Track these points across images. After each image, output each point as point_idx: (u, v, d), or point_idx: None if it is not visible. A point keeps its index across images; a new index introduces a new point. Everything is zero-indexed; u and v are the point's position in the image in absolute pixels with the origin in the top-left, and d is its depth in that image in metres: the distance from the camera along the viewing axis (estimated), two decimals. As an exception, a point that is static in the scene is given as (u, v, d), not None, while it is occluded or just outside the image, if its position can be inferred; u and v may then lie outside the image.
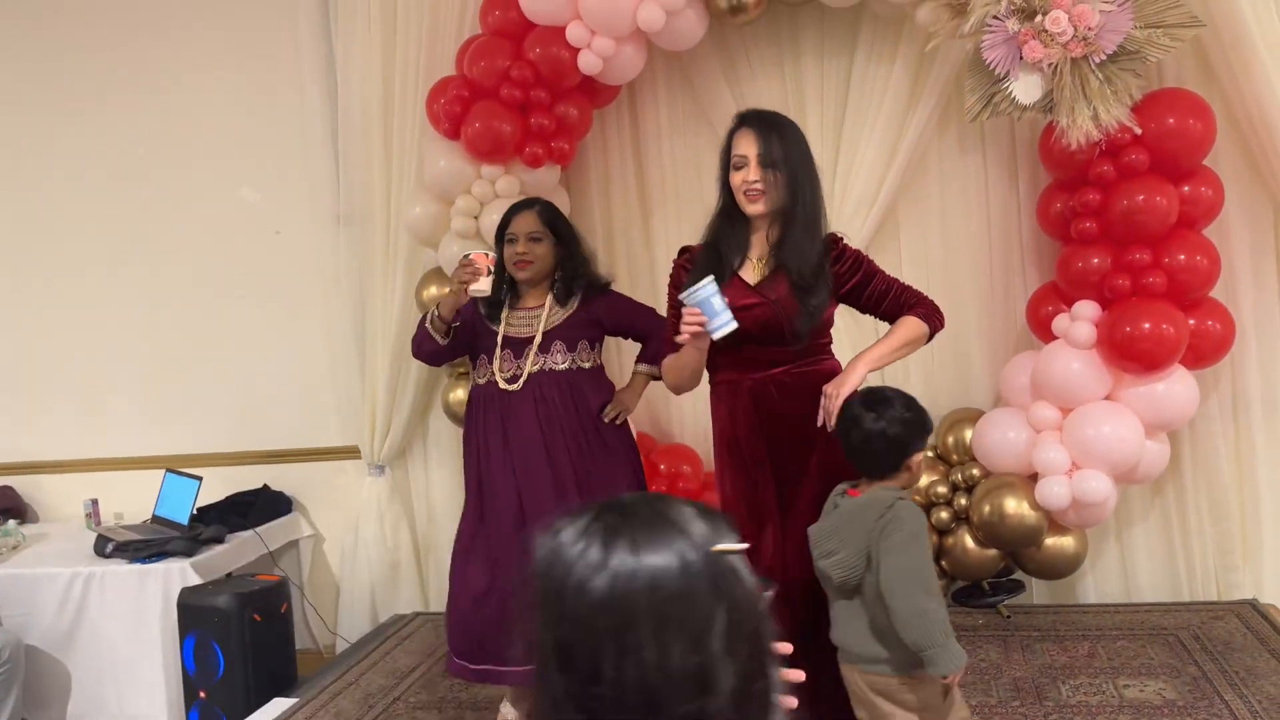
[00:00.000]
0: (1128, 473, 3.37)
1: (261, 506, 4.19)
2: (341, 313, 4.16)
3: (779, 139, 2.41)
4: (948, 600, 3.59)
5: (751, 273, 2.48)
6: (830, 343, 2.55)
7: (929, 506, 3.59)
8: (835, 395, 2.34)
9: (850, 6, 3.54)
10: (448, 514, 4.19)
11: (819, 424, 2.37)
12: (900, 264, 3.77)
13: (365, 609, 4.19)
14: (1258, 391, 3.51)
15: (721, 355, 2.44)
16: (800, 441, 2.44)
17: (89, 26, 4.43)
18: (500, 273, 2.92)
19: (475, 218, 3.61)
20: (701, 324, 2.25)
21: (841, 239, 2.54)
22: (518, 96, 3.49)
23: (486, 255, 2.78)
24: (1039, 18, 3.12)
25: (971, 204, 3.75)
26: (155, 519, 4.10)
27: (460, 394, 3.79)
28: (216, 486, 4.19)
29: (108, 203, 4.48)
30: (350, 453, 4.28)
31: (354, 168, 4.03)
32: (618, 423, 2.97)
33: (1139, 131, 3.17)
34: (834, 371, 2.48)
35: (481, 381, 2.95)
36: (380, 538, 4.16)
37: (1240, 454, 3.56)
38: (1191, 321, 3.29)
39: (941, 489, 3.59)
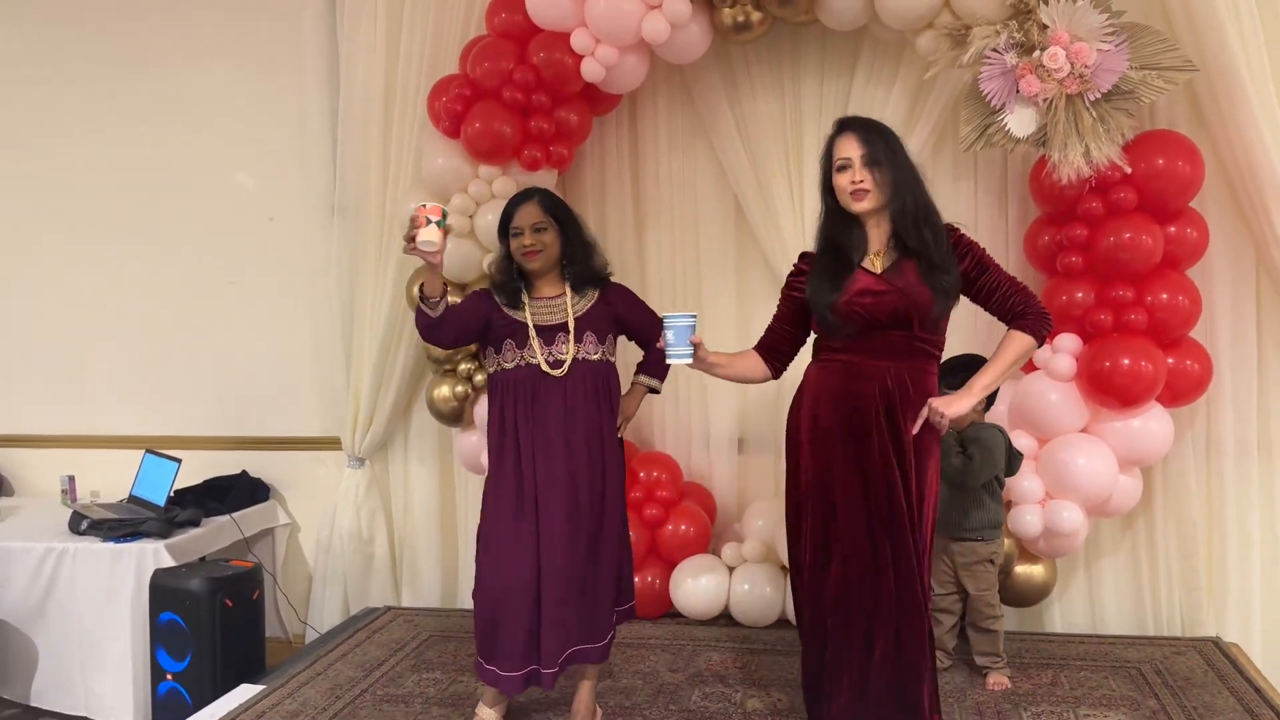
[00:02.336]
0: (1100, 505, 3.42)
1: (239, 492, 4.19)
2: (330, 304, 4.17)
3: (880, 139, 2.55)
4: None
5: (873, 266, 2.59)
6: (943, 343, 2.64)
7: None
8: (944, 417, 2.52)
9: (852, 30, 3.58)
10: (425, 509, 4.21)
11: (914, 431, 2.52)
12: (889, 286, 3.81)
13: (337, 600, 4.19)
14: (1231, 433, 3.56)
15: (840, 344, 2.58)
16: (899, 434, 2.54)
17: (91, 6, 4.45)
18: (510, 264, 2.94)
19: (471, 216, 3.63)
20: (661, 346, 2.55)
21: (959, 228, 2.64)
22: (519, 99, 3.52)
23: (425, 206, 2.64)
24: (1037, 53, 3.18)
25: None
26: (132, 499, 4.09)
27: (445, 391, 3.81)
28: (195, 470, 4.19)
29: (101, 181, 4.49)
30: (330, 443, 4.29)
31: (351, 160, 4.05)
32: (622, 433, 3.02)
33: (1129, 170, 3.22)
34: (934, 383, 2.61)
35: (510, 366, 2.89)
36: (356, 530, 4.17)
37: (1211, 494, 3.60)
38: (1170, 360, 3.34)
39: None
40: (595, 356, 2.93)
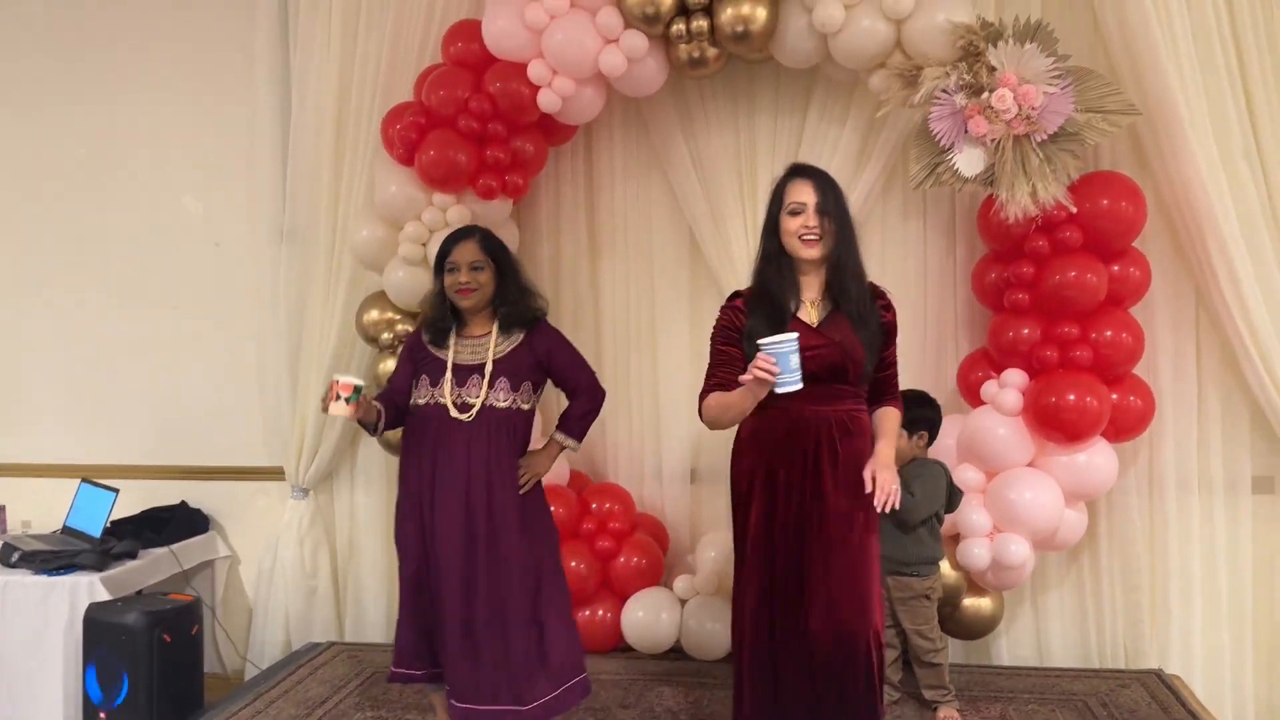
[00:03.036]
0: (1046, 539, 3.46)
1: (178, 523, 4.08)
2: (277, 331, 4.11)
3: (832, 191, 2.57)
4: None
5: (809, 315, 2.58)
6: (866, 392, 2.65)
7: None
8: (893, 484, 2.48)
9: (805, 69, 3.64)
10: (371, 541, 4.13)
11: (877, 505, 2.47)
12: (840, 316, 3.86)
13: (279, 635, 4.09)
14: (1172, 468, 3.63)
15: (777, 399, 2.50)
16: (855, 480, 2.53)
17: (38, 28, 4.37)
18: (443, 300, 2.93)
19: (424, 244, 3.60)
20: (773, 374, 2.31)
21: (884, 291, 2.67)
22: (475, 128, 3.51)
23: (339, 381, 2.75)
24: (986, 94, 3.25)
25: (910, 268, 3.85)
26: (66, 530, 3.97)
27: (394, 421, 3.75)
28: (133, 500, 4.08)
29: (44, 203, 4.39)
30: (274, 474, 4.20)
31: (302, 185, 4.01)
32: (525, 490, 2.91)
33: (1074, 210, 3.30)
34: (867, 421, 2.62)
35: (422, 402, 2.90)
36: (299, 562, 4.08)
37: (1154, 528, 3.67)
38: (1114, 396, 3.40)
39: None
40: (504, 404, 2.88)
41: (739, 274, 3.80)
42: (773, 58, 3.59)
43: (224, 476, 4.30)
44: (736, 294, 2.69)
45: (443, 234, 3.55)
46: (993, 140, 3.28)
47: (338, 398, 2.74)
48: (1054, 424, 3.36)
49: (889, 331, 2.64)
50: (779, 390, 2.34)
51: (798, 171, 2.63)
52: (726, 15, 3.39)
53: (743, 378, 2.39)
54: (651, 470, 4.04)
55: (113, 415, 4.36)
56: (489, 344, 2.91)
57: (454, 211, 3.59)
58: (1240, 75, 3.41)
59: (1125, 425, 3.45)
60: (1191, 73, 3.34)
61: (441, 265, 2.93)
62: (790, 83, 3.82)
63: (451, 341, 2.92)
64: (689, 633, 3.71)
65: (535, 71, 3.47)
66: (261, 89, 4.11)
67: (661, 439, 4.02)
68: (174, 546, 3.94)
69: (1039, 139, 3.25)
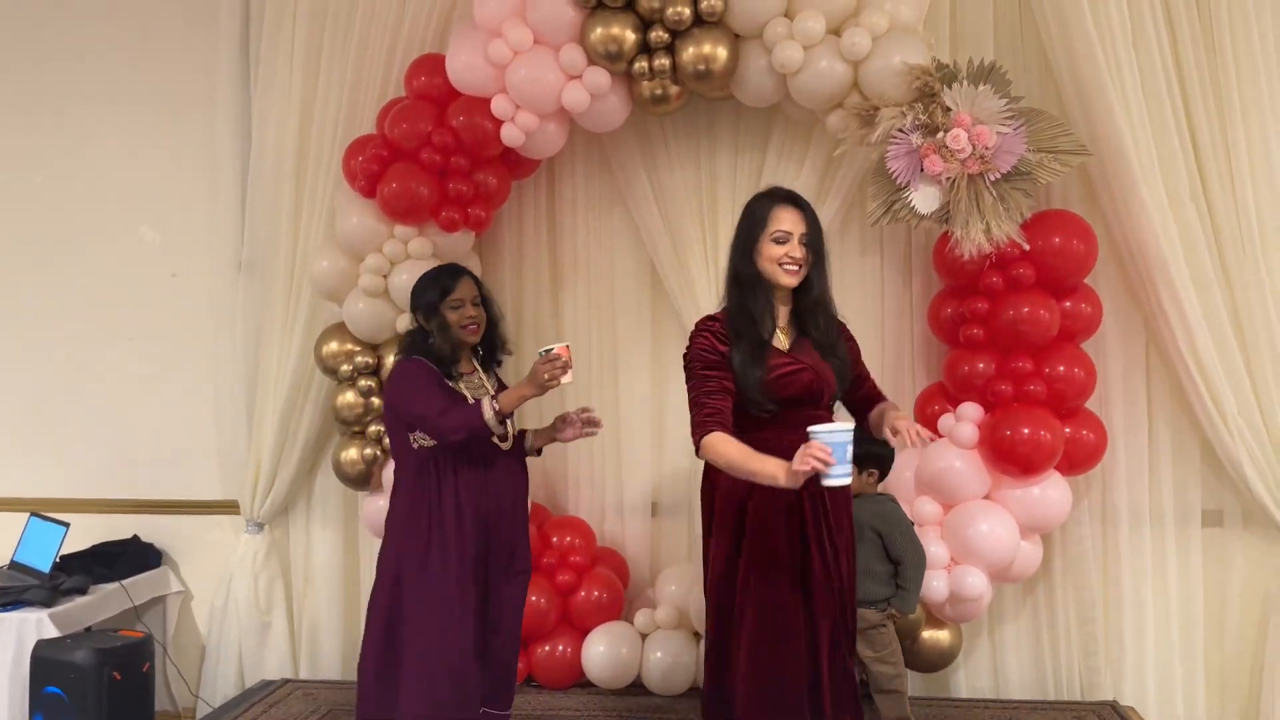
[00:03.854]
0: (1003, 571, 3.50)
1: (130, 558, 4.01)
2: (233, 362, 4.08)
3: (817, 224, 2.60)
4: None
5: (779, 341, 2.60)
6: None
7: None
8: (916, 423, 2.53)
9: (766, 108, 3.69)
10: (327, 576, 4.08)
11: (924, 444, 2.51)
12: (799, 354, 3.90)
13: (232, 672, 4.02)
14: (1125, 501, 3.69)
15: (755, 420, 2.50)
16: (841, 501, 2.60)
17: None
18: (448, 334, 2.94)
19: (385, 276, 3.60)
20: (826, 465, 2.17)
21: (843, 322, 2.74)
22: (437, 161, 3.52)
23: (567, 348, 2.79)
24: (941, 134, 3.31)
25: (868, 303, 3.88)
26: (13, 565, 3.88)
27: (353, 454, 3.73)
28: (83, 534, 4.00)
29: (-3, 229, 4.31)
30: (228, 507, 4.15)
31: (261, 216, 3.99)
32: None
33: (1027, 248, 3.36)
34: None
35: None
36: (252, 598, 4.02)
37: (1107, 560, 3.72)
38: (1067, 430, 3.46)
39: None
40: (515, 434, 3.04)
41: (700, 306, 3.83)
42: (733, 96, 3.64)
43: (177, 510, 4.22)
44: (712, 317, 2.63)
45: (403, 265, 3.56)
46: (948, 179, 3.34)
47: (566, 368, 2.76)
48: (1009, 457, 3.40)
49: (856, 354, 2.75)
50: (826, 483, 2.21)
51: (785, 198, 2.60)
52: (688, 54, 3.44)
53: (796, 467, 2.20)
54: (613, 504, 4.04)
55: (64, 447, 4.27)
56: (481, 380, 3.02)
57: (415, 244, 3.59)
58: (1186, 118, 3.51)
59: (1078, 459, 3.50)
60: (1139, 115, 3.43)
61: (438, 302, 2.93)
62: (750, 120, 3.87)
63: (458, 375, 2.97)
64: (650, 667, 3.70)
65: (498, 106, 3.49)
66: (221, 118, 4.09)
67: (623, 472, 4.02)
68: (125, 582, 3.87)
69: (993, 178, 3.32)
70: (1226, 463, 3.55)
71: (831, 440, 2.17)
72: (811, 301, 2.61)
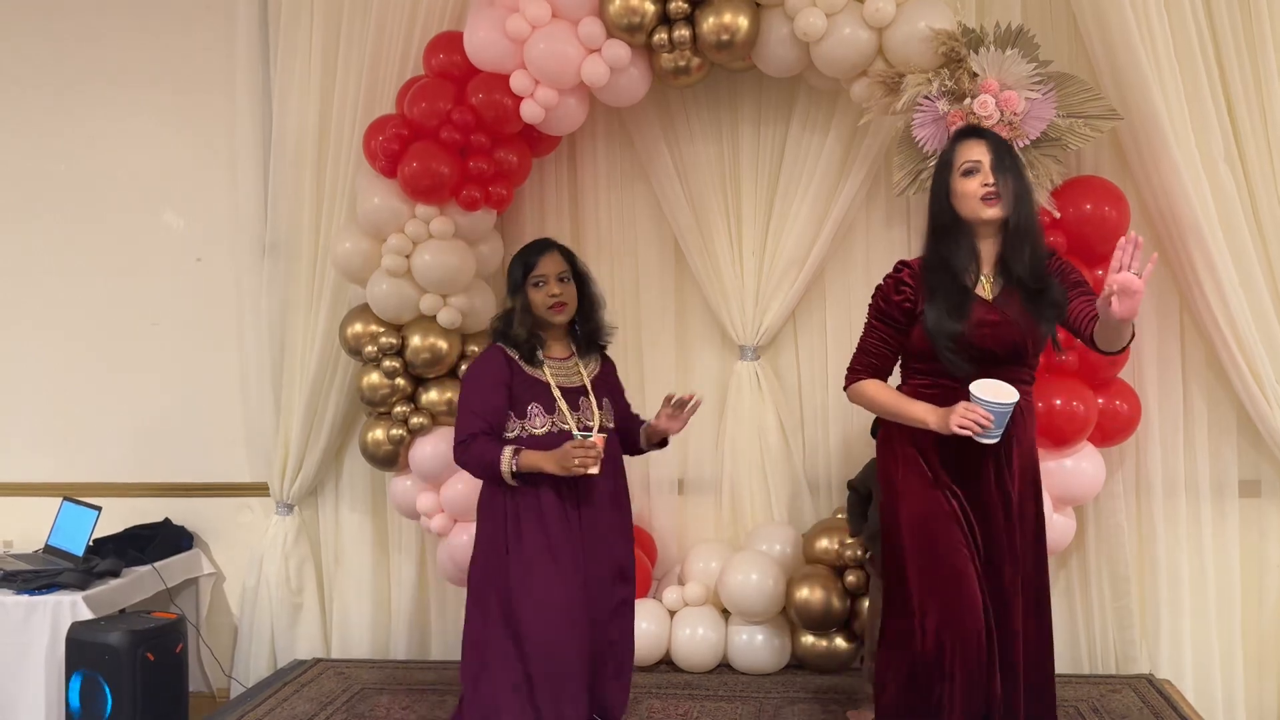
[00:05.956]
0: (1035, 544, 3.46)
1: (161, 541, 4.04)
2: (259, 345, 4.08)
3: (1006, 150, 2.51)
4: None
5: (984, 290, 2.51)
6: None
7: (840, 569, 3.62)
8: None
9: (788, 77, 3.64)
10: (357, 557, 4.10)
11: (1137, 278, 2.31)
12: (825, 324, 3.89)
13: (264, 652, 4.05)
14: (1159, 472, 3.63)
15: (953, 371, 2.45)
16: (1027, 467, 2.54)
17: (6, 28, 4.32)
18: (529, 315, 2.82)
19: (407, 256, 3.58)
20: (983, 427, 2.28)
21: (1056, 250, 2.62)
22: (458, 139, 3.49)
23: (604, 437, 2.73)
24: (968, 100, 3.25)
25: (895, 274, 3.84)
26: (48, 549, 3.93)
27: (379, 434, 3.72)
28: (116, 518, 4.04)
29: (22, 217, 4.33)
30: (258, 489, 4.17)
31: (283, 199, 3.98)
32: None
33: (1058, 215, 3.30)
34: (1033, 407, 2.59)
35: (540, 432, 2.78)
36: (284, 579, 4.05)
37: (1141, 532, 3.67)
38: (1100, 400, 3.40)
39: (851, 554, 3.62)
40: (612, 425, 2.89)
41: (724, 282, 3.83)
42: (755, 66, 3.59)
43: (207, 493, 4.25)
44: (904, 263, 2.58)
45: (425, 245, 3.55)
46: (975, 146, 3.28)
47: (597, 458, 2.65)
48: (1042, 429, 3.34)
49: (1069, 275, 2.55)
50: (983, 441, 2.32)
51: (966, 133, 2.56)
52: (709, 25, 3.39)
53: (953, 420, 2.30)
54: (639, 481, 4.01)
55: (95, 432, 4.31)
56: (576, 365, 2.87)
57: (437, 223, 3.57)
58: (1220, 80, 3.42)
59: (1111, 430, 3.45)
60: (1172, 77, 3.35)
61: (523, 280, 2.82)
62: (773, 91, 3.82)
63: (543, 360, 2.81)
64: (678, 644, 3.69)
65: (518, 82, 3.46)
66: (242, 102, 4.08)
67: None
68: (157, 564, 3.90)
69: (1021, 144, 3.25)
70: (1264, 431, 3.49)
71: (994, 409, 2.26)
72: (1016, 236, 2.49)
